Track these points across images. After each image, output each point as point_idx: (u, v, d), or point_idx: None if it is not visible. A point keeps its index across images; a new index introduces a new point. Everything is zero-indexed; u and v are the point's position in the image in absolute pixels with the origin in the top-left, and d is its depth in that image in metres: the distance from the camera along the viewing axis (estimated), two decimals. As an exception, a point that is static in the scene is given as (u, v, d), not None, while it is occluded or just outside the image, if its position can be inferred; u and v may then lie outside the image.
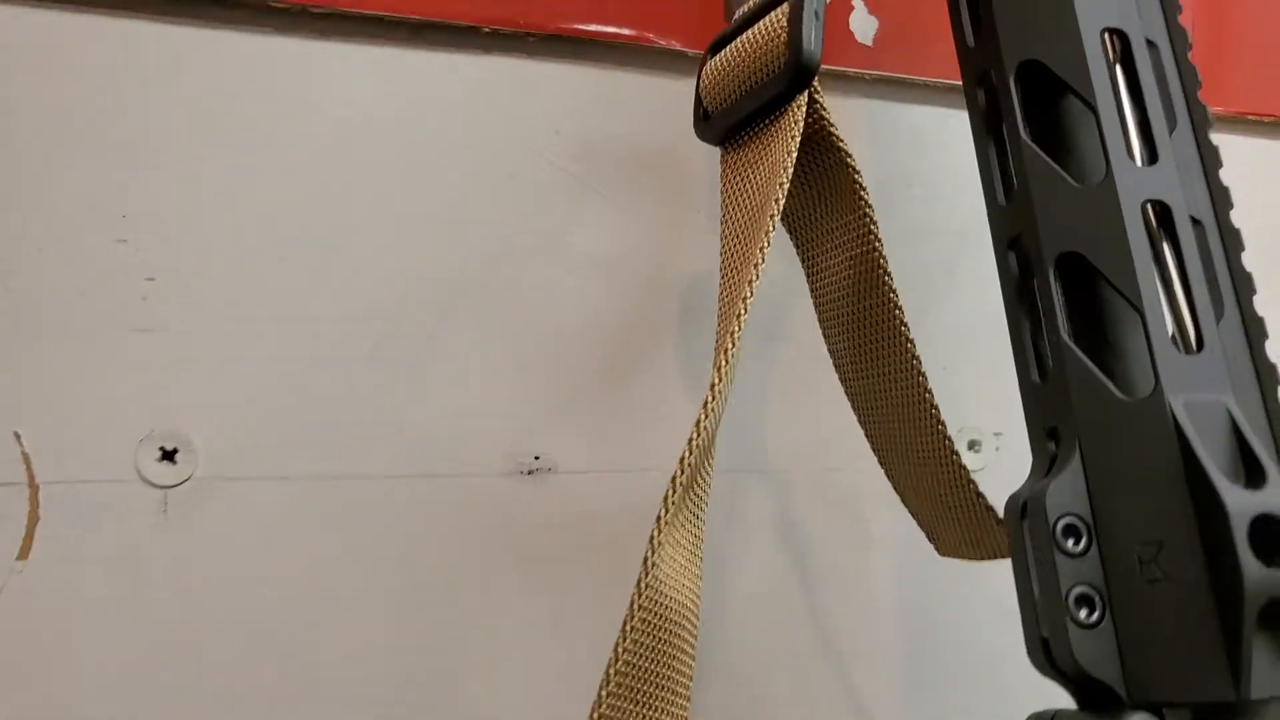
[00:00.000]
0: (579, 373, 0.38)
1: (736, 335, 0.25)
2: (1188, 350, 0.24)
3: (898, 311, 0.30)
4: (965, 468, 0.31)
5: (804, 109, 0.28)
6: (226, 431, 0.34)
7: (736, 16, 0.32)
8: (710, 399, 0.26)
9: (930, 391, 0.30)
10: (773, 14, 0.29)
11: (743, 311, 0.25)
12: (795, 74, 0.27)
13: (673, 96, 0.39)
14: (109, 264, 0.34)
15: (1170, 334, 0.24)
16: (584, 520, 0.37)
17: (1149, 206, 0.25)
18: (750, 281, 0.25)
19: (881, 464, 0.34)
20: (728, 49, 0.31)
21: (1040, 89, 0.27)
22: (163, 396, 0.34)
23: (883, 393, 0.32)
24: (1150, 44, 0.27)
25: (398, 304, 0.36)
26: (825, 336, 0.33)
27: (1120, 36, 0.26)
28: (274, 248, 0.35)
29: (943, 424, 0.31)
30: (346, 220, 0.36)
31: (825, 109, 0.29)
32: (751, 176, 0.29)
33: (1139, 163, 0.25)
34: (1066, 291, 0.25)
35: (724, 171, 0.31)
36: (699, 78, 0.32)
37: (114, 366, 0.34)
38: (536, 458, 0.37)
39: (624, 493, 0.38)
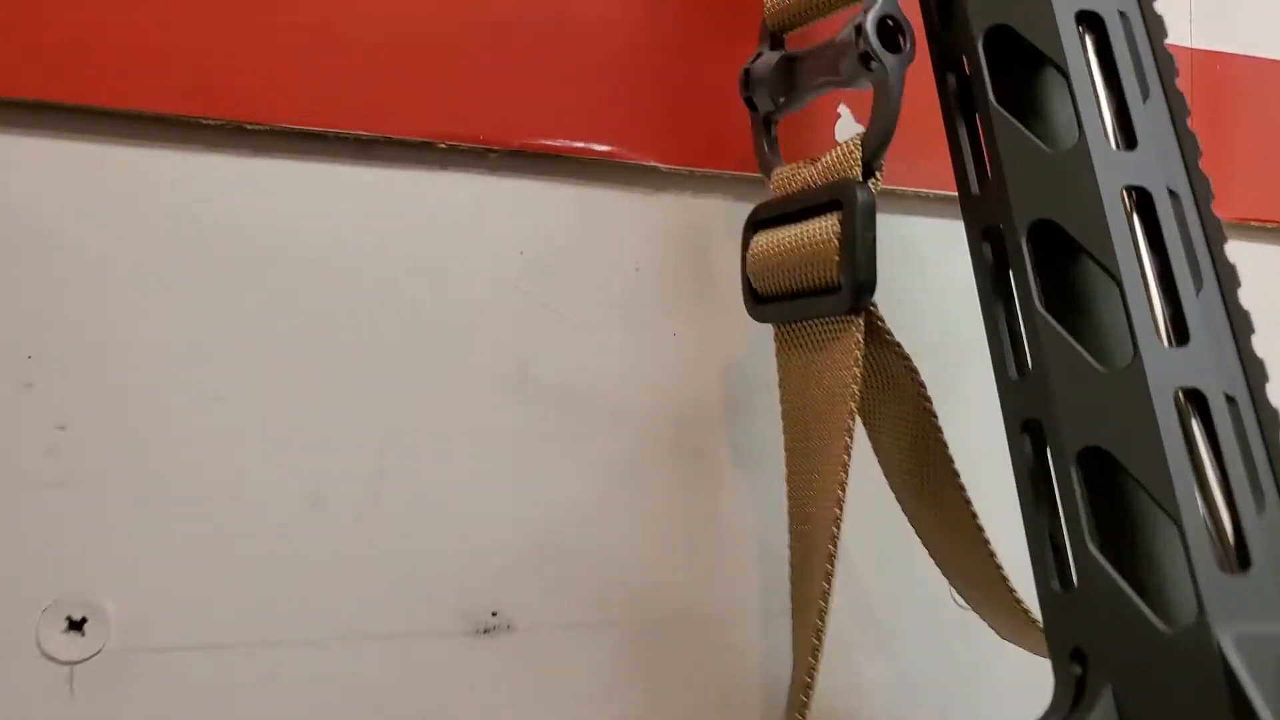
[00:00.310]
0: (537, 517, 0.34)
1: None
2: (1233, 567, 0.21)
3: (962, 491, 0.29)
4: (1023, 605, 0.30)
5: (862, 328, 0.27)
6: (145, 596, 0.31)
7: (776, 189, 0.30)
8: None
9: (991, 547, 0.30)
10: (824, 220, 0.27)
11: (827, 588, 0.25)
12: (854, 298, 0.27)
13: (647, 213, 0.36)
14: (13, 412, 0.30)
15: (1210, 539, 0.21)
16: (547, 684, 0.34)
17: (1181, 394, 0.22)
18: (835, 520, 0.25)
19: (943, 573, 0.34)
20: (776, 238, 0.29)
21: (1055, 249, 0.24)
22: (71, 559, 0.30)
23: (940, 527, 0.32)
24: (1172, 194, 0.24)
25: (337, 447, 0.33)
26: (885, 474, 0.32)
27: (1142, 193, 0.23)
28: (200, 390, 0.31)
29: (1003, 572, 0.30)
30: (283, 357, 0.32)
31: (880, 317, 0.28)
32: (813, 368, 0.28)
33: (1166, 340, 0.22)
34: (1091, 490, 0.22)
35: (779, 348, 0.30)
36: (745, 255, 0.31)
37: (15, 526, 0.30)
38: (494, 614, 0.34)
39: (590, 651, 0.34)
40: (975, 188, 0.25)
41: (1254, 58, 0.43)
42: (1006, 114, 0.24)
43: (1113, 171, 0.23)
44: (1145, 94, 0.26)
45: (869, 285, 0.27)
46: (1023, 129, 0.24)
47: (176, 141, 0.32)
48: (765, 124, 0.31)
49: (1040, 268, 0.24)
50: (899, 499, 0.32)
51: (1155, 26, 0.26)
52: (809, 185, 0.29)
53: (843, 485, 0.26)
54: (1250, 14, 0.43)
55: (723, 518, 0.37)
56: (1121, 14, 0.26)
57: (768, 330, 0.32)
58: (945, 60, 0.27)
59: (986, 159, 0.26)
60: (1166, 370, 0.22)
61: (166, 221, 0.32)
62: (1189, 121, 0.26)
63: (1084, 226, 0.23)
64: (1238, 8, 0.43)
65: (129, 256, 0.31)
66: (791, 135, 0.36)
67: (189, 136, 0.32)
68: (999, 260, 0.25)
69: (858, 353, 0.27)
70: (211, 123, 0.31)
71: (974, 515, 0.29)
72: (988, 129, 0.25)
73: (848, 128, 0.38)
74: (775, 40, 0.31)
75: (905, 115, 0.37)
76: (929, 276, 0.40)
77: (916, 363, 0.40)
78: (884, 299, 0.39)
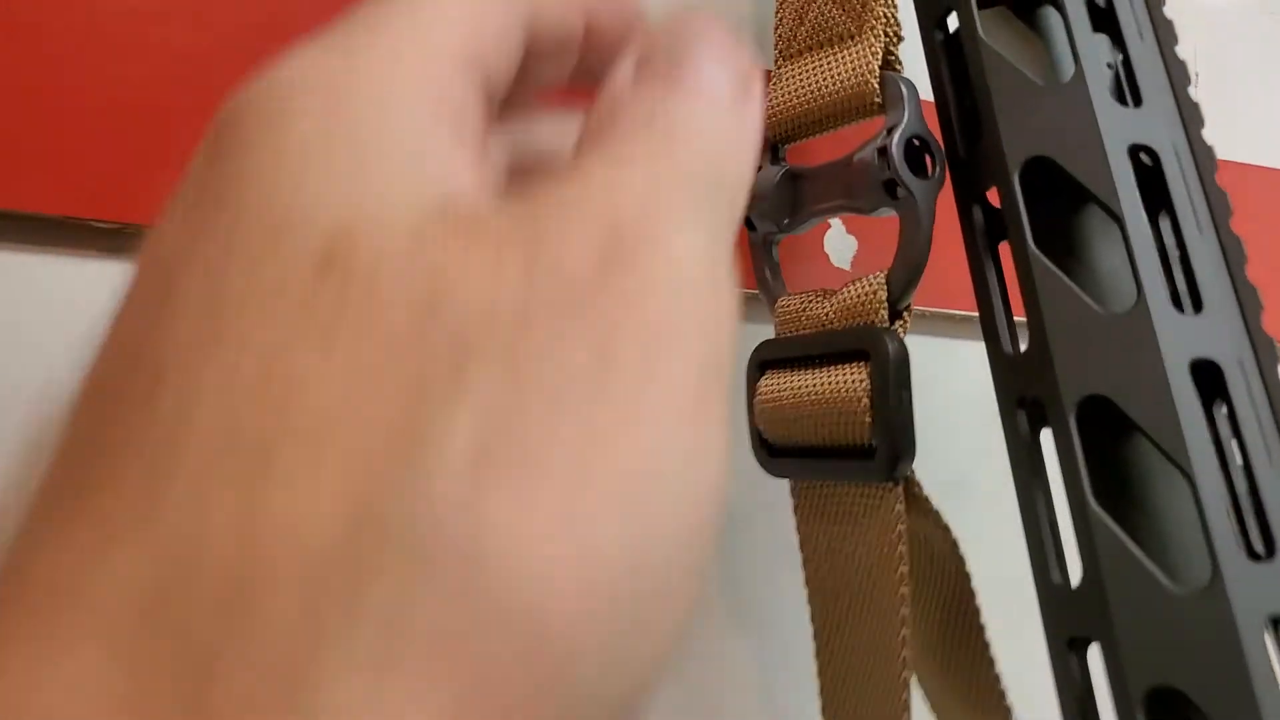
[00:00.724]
0: None
1: None
2: None
3: (998, 683, 0.25)
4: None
5: (902, 498, 0.23)
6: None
7: (783, 324, 0.26)
8: None
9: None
10: (850, 372, 0.23)
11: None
12: (892, 466, 0.23)
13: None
14: None
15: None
16: None
17: (1271, 622, 0.18)
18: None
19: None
20: (792, 384, 0.25)
21: (1109, 429, 0.20)
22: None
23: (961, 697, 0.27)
24: (1240, 364, 0.21)
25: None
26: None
27: (1211, 368, 0.20)
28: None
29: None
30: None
31: (918, 483, 0.24)
32: (846, 538, 0.25)
33: (1248, 552, 0.19)
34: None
35: (800, 506, 0.26)
36: (751, 398, 0.26)
37: None
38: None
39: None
40: (1008, 346, 0.22)
41: (1263, 167, 0.41)
42: (1051, 265, 0.20)
43: (1178, 341, 0.19)
44: (1200, 233, 0.22)
45: (908, 451, 0.23)
46: (1070, 284, 0.20)
47: (66, 245, 0.27)
48: (765, 246, 0.27)
49: (1091, 450, 0.20)
50: (917, 674, 0.28)
51: (1205, 159, 0.23)
52: (823, 324, 0.25)
53: (906, 685, 0.23)
54: (1259, 122, 0.41)
55: (721, 677, 0.32)
56: (1174, 146, 0.22)
57: (748, 451, 0.28)
58: (970, 190, 0.23)
59: (1016, 304, 0.22)
60: (1253, 593, 0.18)
61: (50, 332, 0.27)
62: (1246, 270, 0.23)
63: (1146, 408, 0.19)
64: (1245, 116, 0.41)
65: (7, 368, 0.26)
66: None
67: (80, 240, 0.27)
68: (1035, 431, 0.21)
69: (901, 528, 0.23)
70: (106, 226, 0.27)
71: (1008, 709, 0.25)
72: (1025, 278, 0.21)
73: (838, 240, 0.34)
74: (774, 153, 0.27)
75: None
76: (923, 402, 0.36)
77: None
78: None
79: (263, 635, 0.09)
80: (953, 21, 0.24)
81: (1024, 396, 0.21)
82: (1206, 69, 0.41)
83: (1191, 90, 0.24)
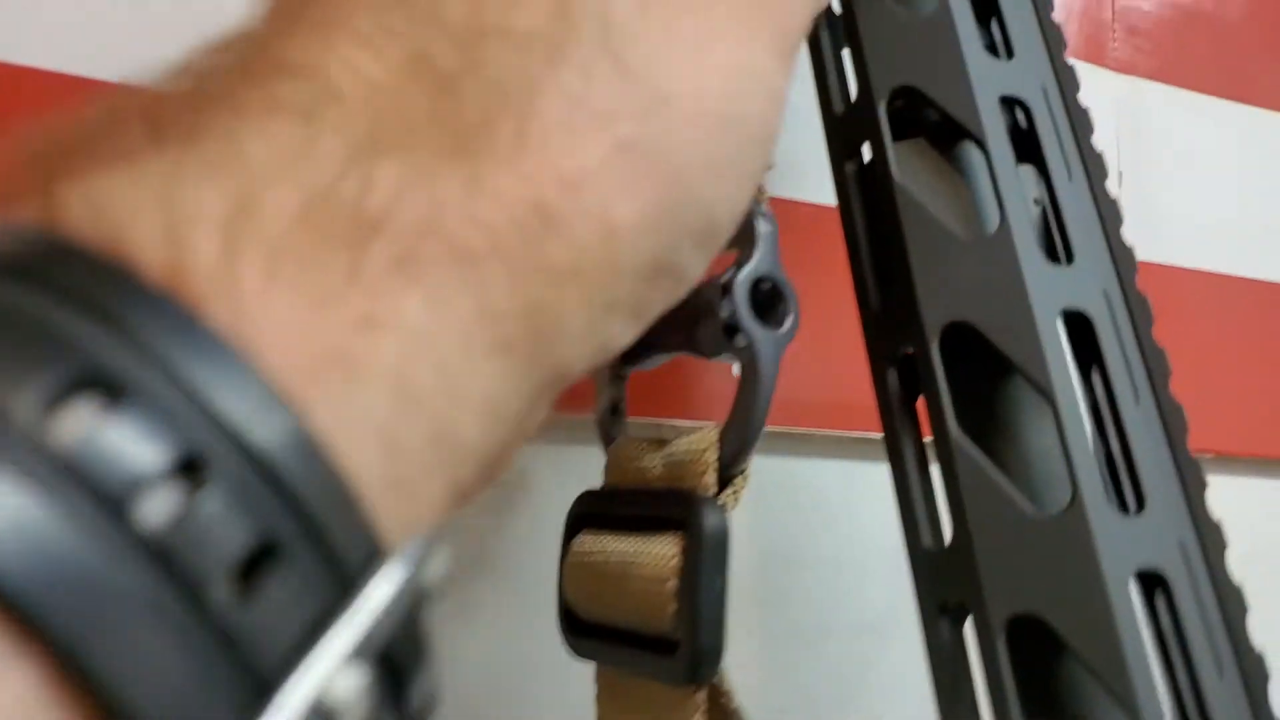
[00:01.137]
0: None
1: None
2: None
3: None
4: None
5: (703, 706, 0.19)
6: None
7: (611, 472, 0.22)
8: None
9: None
10: (662, 544, 0.19)
11: None
12: (692, 669, 0.18)
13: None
14: None
15: None
16: None
17: None
18: None
19: None
20: (602, 549, 0.21)
21: (1040, 647, 0.17)
22: None
23: None
24: (1186, 562, 0.18)
25: None
26: None
27: (1155, 580, 0.17)
28: None
29: None
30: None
31: (724, 691, 0.20)
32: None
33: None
34: None
35: (600, 691, 0.23)
36: (563, 559, 0.22)
37: None
38: None
39: None
40: (928, 539, 0.19)
41: (1188, 269, 0.39)
42: (976, 453, 0.18)
43: (1119, 550, 0.17)
44: (1137, 401, 0.20)
45: (713, 653, 0.19)
46: (998, 480, 0.17)
47: None
48: (613, 380, 0.24)
49: (1022, 672, 0.17)
50: None
51: (1140, 313, 0.21)
52: (648, 480, 0.21)
53: None
54: (1181, 223, 0.40)
55: None
56: (1108, 300, 0.20)
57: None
58: (884, 350, 0.20)
59: (940, 485, 0.19)
60: None
61: None
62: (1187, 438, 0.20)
63: (1082, 633, 0.16)
64: (1167, 217, 0.39)
65: None
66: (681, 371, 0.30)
67: None
68: (962, 639, 0.18)
69: None
70: None
71: None
72: (947, 466, 0.18)
73: (748, 357, 0.31)
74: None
75: (813, 334, 0.31)
76: (835, 535, 0.33)
77: (823, 644, 0.33)
78: (783, 562, 0.33)
79: (491, 71, 0.13)
80: (867, 151, 0.22)
81: (947, 602, 0.18)
82: (1127, 163, 0.39)
83: (1123, 232, 0.22)
